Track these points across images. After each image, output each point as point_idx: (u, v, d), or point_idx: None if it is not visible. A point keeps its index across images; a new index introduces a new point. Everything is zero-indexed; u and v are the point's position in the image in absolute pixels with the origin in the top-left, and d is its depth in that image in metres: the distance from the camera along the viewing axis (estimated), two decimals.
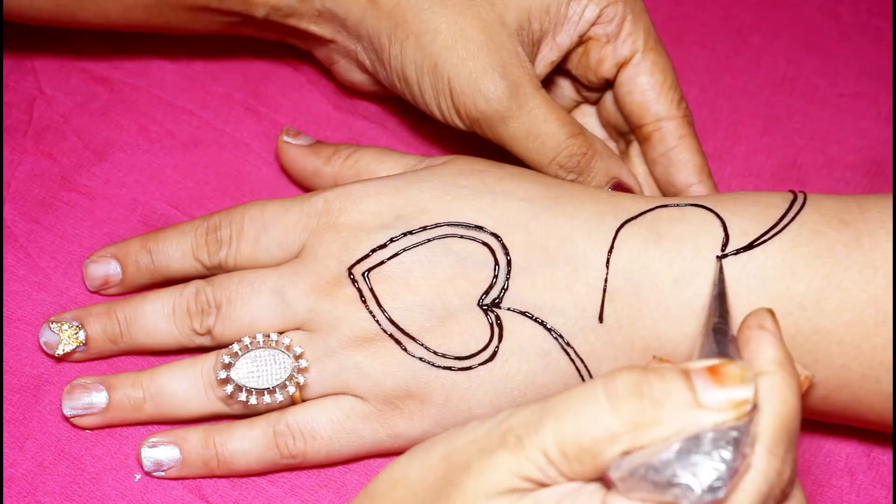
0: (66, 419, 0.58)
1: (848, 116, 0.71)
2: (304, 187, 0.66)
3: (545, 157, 0.60)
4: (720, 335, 0.46)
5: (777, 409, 0.43)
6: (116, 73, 0.69)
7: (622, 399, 0.42)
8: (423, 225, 0.57)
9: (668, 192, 0.63)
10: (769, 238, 0.54)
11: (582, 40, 0.62)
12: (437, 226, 0.57)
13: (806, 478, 0.59)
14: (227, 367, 0.56)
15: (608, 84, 0.63)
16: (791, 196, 0.56)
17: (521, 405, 0.45)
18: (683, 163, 0.62)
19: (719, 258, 0.54)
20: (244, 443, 0.57)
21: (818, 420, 0.58)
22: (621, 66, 0.62)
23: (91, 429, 0.58)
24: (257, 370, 0.56)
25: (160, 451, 0.57)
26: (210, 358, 0.58)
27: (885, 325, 0.53)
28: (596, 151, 0.61)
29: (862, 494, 0.59)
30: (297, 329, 0.57)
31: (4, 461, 0.57)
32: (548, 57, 0.62)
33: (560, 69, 0.64)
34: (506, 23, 0.60)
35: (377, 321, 0.56)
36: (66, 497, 0.57)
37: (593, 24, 0.61)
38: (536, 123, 0.60)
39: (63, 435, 0.58)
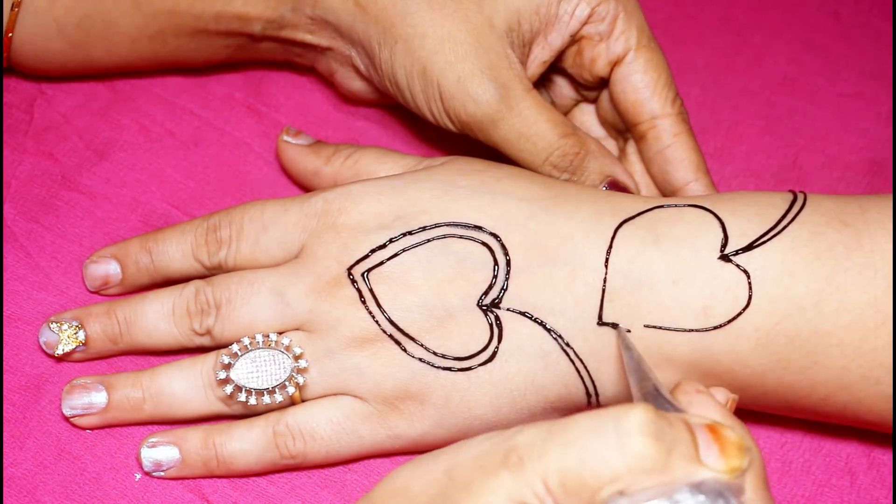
0: (66, 419, 0.58)
1: (848, 116, 0.71)
2: (304, 187, 0.66)
3: (538, 157, 0.60)
4: (661, 396, 0.46)
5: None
6: (117, 72, 0.69)
7: (632, 437, 0.41)
8: (422, 225, 0.57)
9: (665, 190, 0.63)
10: (768, 239, 0.54)
11: (575, 39, 0.62)
12: (436, 226, 0.57)
13: (806, 478, 0.59)
14: (227, 367, 0.56)
15: (604, 82, 0.63)
16: (791, 196, 0.56)
17: (528, 424, 0.44)
18: (680, 160, 0.62)
19: (624, 330, 0.54)
20: (244, 443, 0.57)
21: (818, 421, 0.58)
22: (615, 65, 0.62)
23: (91, 429, 0.58)
24: (257, 370, 0.56)
25: (160, 452, 0.57)
26: (210, 358, 0.58)
27: (885, 327, 0.53)
28: (589, 151, 0.61)
29: (863, 495, 0.58)
30: (297, 329, 0.57)
31: (5, 460, 0.58)
32: (540, 57, 0.62)
33: (557, 68, 0.64)
34: (494, 25, 0.60)
35: (377, 321, 0.56)
36: (67, 496, 0.57)
37: (585, 22, 0.61)
38: (528, 125, 0.60)
39: (63, 434, 0.58)
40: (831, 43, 0.74)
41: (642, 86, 0.61)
